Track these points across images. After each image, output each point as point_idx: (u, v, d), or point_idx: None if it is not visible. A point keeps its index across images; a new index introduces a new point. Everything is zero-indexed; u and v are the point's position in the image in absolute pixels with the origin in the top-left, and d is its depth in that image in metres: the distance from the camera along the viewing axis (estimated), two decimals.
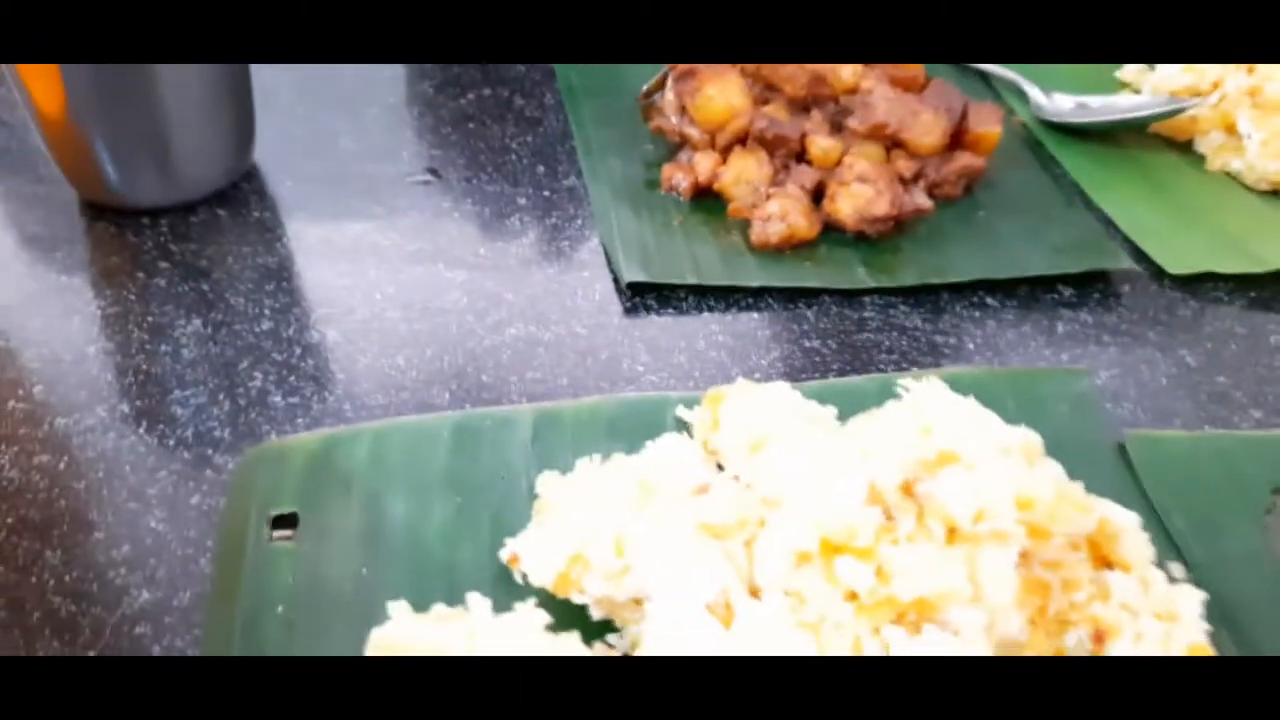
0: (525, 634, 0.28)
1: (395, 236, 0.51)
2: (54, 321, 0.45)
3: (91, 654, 0.32)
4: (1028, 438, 0.32)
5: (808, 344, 0.46)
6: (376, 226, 0.51)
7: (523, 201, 0.54)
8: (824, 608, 0.28)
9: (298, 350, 0.44)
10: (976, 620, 0.29)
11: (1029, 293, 0.49)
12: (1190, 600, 0.31)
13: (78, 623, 0.33)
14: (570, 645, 0.28)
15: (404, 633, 0.27)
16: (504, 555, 0.33)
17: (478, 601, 0.29)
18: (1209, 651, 0.31)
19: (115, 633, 0.33)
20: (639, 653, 0.29)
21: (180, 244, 0.49)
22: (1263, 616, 0.34)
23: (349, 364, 0.43)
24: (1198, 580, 0.34)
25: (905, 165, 0.53)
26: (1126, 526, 0.32)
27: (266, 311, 0.46)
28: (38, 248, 0.49)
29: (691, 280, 0.48)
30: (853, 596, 0.28)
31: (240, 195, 0.53)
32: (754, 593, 0.30)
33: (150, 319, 0.45)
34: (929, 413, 0.31)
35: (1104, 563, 0.33)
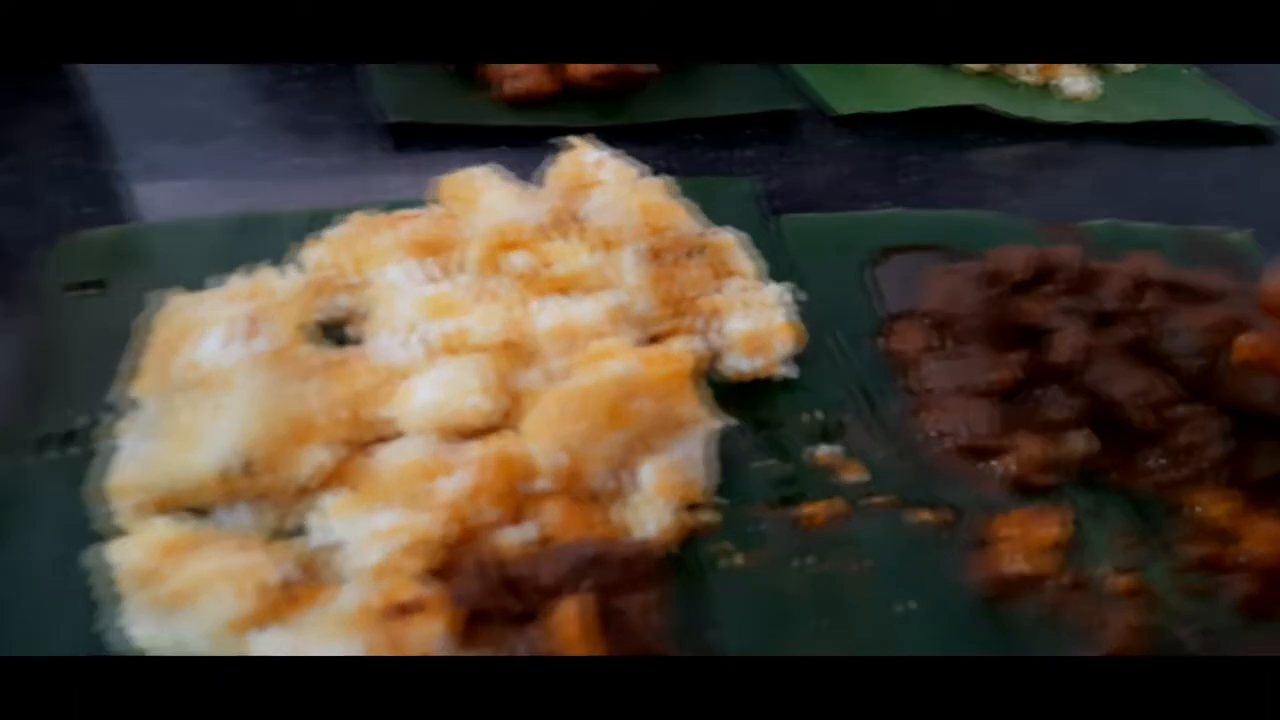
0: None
1: (183, 99, 0.58)
2: None
3: None
4: (651, 180, 0.43)
5: (542, 171, 0.56)
6: (168, 88, 0.59)
7: (304, 70, 0.62)
8: (499, 288, 0.39)
9: (97, 180, 0.51)
10: (613, 299, 0.39)
11: (726, 132, 0.61)
12: (782, 292, 0.43)
13: None
14: None
15: (179, 306, 0.36)
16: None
17: (235, 278, 0.38)
18: (796, 327, 0.42)
19: None
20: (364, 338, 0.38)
21: None
22: (851, 308, 0.46)
23: (144, 188, 0.51)
24: (808, 299, 0.46)
25: None
26: (734, 242, 0.44)
27: (70, 151, 0.53)
28: None
29: (443, 120, 0.57)
30: (521, 278, 0.39)
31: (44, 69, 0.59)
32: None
33: None
34: (581, 157, 0.42)
35: (723, 273, 0.44)
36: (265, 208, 0.51)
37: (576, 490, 0.34)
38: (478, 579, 0.30)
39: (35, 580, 0.33)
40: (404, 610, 0.28)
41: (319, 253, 0.41)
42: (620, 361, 0.34)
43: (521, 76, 0.60)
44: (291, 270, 0.38)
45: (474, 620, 0.30)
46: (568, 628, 0.28)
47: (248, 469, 0.32)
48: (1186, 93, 0.70)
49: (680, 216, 0.41)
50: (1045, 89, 0.68)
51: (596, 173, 0.41)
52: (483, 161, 0.55)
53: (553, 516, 0.33)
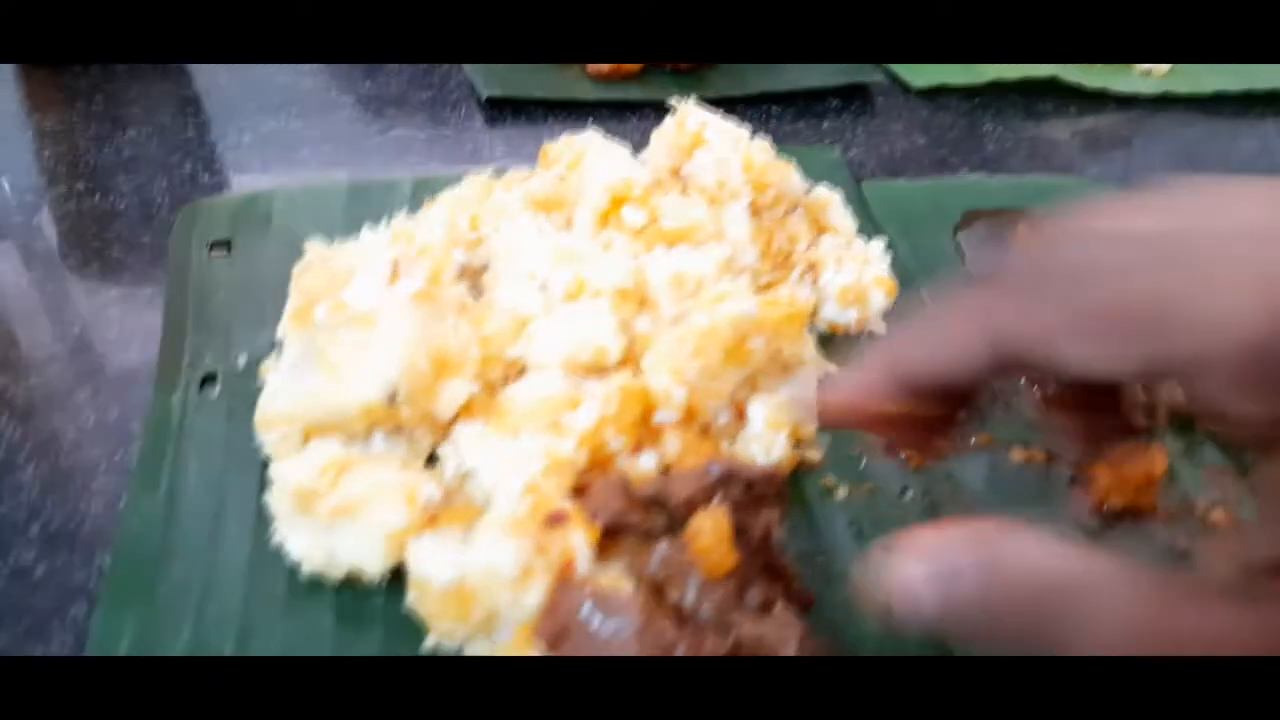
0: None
1: (293, 75, 0.61)
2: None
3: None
4: (757, 140, 0.45)
5: (632, 140, 0.58)
6: (278, 66, 0.62)
7: None
8: (613, 241, 0.41)
9: (218, 150, 0.55)
10: (721, 252, 0.42)
11: (805, 104, 0.63)
12: (877, 248, 0.45)
13: None
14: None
15: (319, 258, 0.39)
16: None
17: (368, 232, 0.40)
18: (891, 282, 0.44)
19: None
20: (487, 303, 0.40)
21: (110, 83, 0.59)
22: (938, 268, 0.48)
23: (262, 157, 0.54)
24: (895, 260, 0.47)
25: None
26: (832, 198, 0.46)
27: (189, 125, 0.56)
28: None
29: (539, 95, 0.60)
30: (633, 232, 0.41)
31: None
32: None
33: (91, 133, 0.55)
34: (686, 119, 0.44)
35: (820, 230, 0.46)
36: (375, 175, 0.54)
37: (694, 424, 0.36)
38: (613, 496, 0.32)
39: (202, 501, 0.35)
40: (554, 519, 0.31)
41: (438, 211, 0.43)
42: (737, 303, 0.36)
43: None
44: (423, 222, 0.41)
45: (610, 534, 0.32)
46: (703, 539, 0.30)
47: (394, 401, 0.35)
48: (1260, 65, 0.70)
49: (785, 173, 0.43)
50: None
51: (703, 132, 0.43)
52: (573, 131, 0.58)
53: (673, 446, 0.35)
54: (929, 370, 0.25)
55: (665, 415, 0.36)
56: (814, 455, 0.38)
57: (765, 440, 0.37)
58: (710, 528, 0.30)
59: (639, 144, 0.57)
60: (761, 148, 0.44)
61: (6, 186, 0.51)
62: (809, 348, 0.39)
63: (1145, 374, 0.21)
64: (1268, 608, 0.20)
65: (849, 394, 0.27)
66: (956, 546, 0.22)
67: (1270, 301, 0.19)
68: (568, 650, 0.29)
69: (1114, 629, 0.20)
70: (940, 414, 0.27)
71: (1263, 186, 0.21)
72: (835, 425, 0.31)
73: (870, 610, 0.23)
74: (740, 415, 0.38)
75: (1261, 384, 0.19)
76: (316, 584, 0.33)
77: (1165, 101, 0.65)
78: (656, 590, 0.30)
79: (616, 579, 0.30)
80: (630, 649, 0.28)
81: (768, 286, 0.43)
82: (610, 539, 0.32)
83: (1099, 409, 0.29)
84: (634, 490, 0.33)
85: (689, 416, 0.36)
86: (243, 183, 0.52)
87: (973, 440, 0.40)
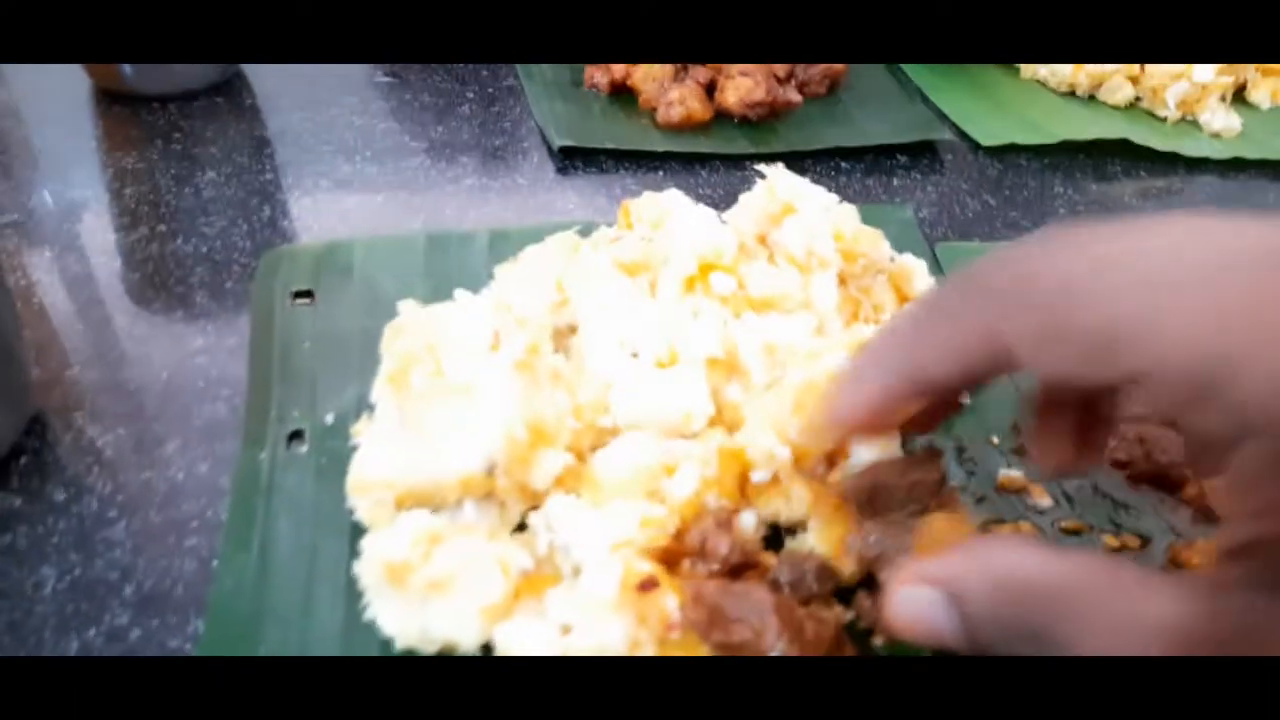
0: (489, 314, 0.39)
1: (366, 119, 0.62)
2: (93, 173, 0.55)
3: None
4: (845, 207, 0.45)
5: (701, 193, 0.58)
6: (350, 109, 0.62)
7: (470, 95, 0.65)
8: (701, 307, 0.41)
9: (295, 194, 0.55)
10: (808, 322, 0.41)
11: (873, 159, 0.63)
12: None
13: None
14: None
15: (412, 319, 0.39)
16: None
17: (462, 294, 0.40)
18: None
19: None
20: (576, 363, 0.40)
21: (187, 121, 0.60)
22: None
23: (339, 203, 0.55)
24: None
25: (780, 67, 0.66)
26: (917, 268, 0.45)
27: (266, 167, 0.57)
28: (60, 126, 0.59)
29: (610, 145, 0.60)
30: (721, 299, 0.41)
31: (233, 87, 0.63)
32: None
33: (171, 172, 0.56)
34: (776, 185, 0.44)
35: (904, 299, 0.46)
36: (450, 225, 0.54)
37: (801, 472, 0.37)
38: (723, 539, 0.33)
39: (293, 565, 0.35)
40: (646, 585, 0.31)
41: (526, 271, 0.43)
42: (833, 357, 0.36)
43: (674, 106, 0.63)
44: (526, 286, 0.41)
45: (735, 574, 0.33)
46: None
47: (492, 472, 0.35)
48: None
49: (875, 242, 0.43)
50: (1186, 124, 0.69)
51: (794, 201, 0.43)
52: (643, 183, 0.58)
53: (799, 496, 0.35)
54: (943, 375, 0.27)
55: (760, 475, 0.36)
56: None
57: None
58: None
59: (710, 197, 0.57)
60: (850, 214, 0.44)
61: (88, 226, 0.51)
62: None
63: (1108, 383, 0.23)
64: (1201, 585, 0.23)
65: (870, 403, 0.29)
66: (958, 568, 0.26)
67: (1220, 323, 0.21)
68: (718, 636, 0.30)
69: (1104, 624, 0.23)
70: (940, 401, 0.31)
71: (1230, 221, 0.23)
72: (855, 434, 0.34)
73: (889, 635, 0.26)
74: (830, 464, 0.38)
75: (1208, 398, 0.21)
76: (409, 657, 0.33)
77: (1234, 166, 0.65)
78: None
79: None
80: (771, 624, 0.30)
81: None
82: (735, 578, 0.33)
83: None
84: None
85: (797, 467, 0.36)
86: (323, 228, 0.53)
87: (1062, 525, 0.39)
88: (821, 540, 0.35)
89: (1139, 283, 0.23)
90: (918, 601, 0.26)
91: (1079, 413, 0.30)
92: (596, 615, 0.31)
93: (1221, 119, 0.68)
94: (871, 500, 0.33)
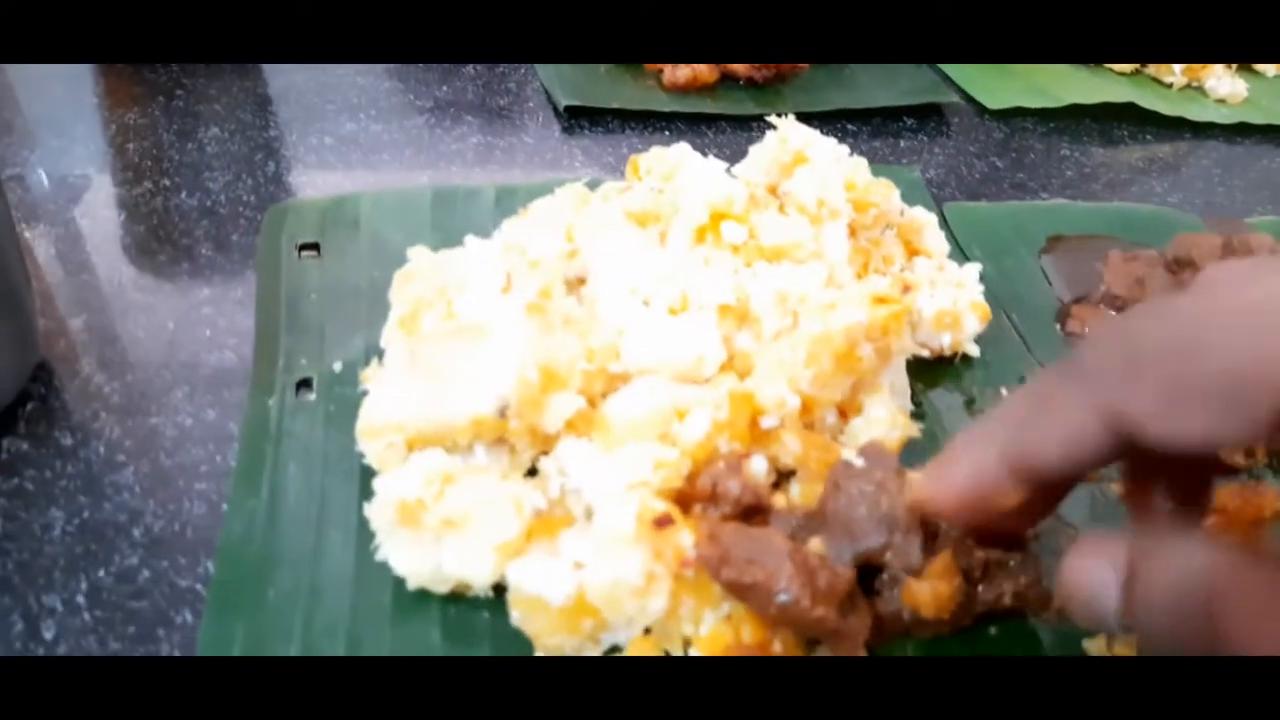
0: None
1: (370, 78, 0.61)
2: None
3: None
4: (856, 159, 0.45)
5: (707, 153, 0.58)
6: (354, 68, 0.62)
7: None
8: (712, 256, 0.41)
9: (299, 150, 0.55)
10: (819, 271, 0.41)
11: (880, 122, 0.62)
12: (971, 272, 0.45)
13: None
14: None
15: (423, 265, 0.38)
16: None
17: (472, 240, 0.40)
18: (984, 306, 0.44)
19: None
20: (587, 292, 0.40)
21: (190, 79, 0.59)
22: (1025, 292, 0.48)
23: (343, 159, 0.54)
24: (983, 278, 0.47)
25: None
26: (926, 222, 0.45)
27: (270, 124, 0.56)
28: (62, 82, 0.58)
29: (615, 105, 0.60)
30: (733, 248, 0.41)
31: None
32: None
33: (174, 128, 0.55)
34: (788, 135, 0.44)
35: (913, 253, 0.46)
36: (457, 181, 0.53)
37: (806, 423, 0.36)
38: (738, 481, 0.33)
39: (303, 508, 0.35)
40: (662, 522, 0.31)
41: (536, 221, 0.43)
42: (849, 311, 0.36)
43: (681, 67, 0.62)
44: (533, 233, 0.41)
45: (748, 516, 0.33)
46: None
47: (504, 414, 0.34)
48: None
49: (886, 194, 0.43)
50: (1192, 90, 0.68)
51: (806, 150, 0.42)
52: (649, 143, 0.58)
53: (793, 445, 0.35)
54: (1055, 462, 0.25)
55: (770, 420, 0.36)
56: None
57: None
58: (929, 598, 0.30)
59: (716, 157, 0.57)
60: (862, 166, 0.43)
61: (91, 181, 0.51)
62: (907, 338, 0.39)
63: (1244, 436, 0.22)
64: None
65: (964, 489, 0.27)
66: (1143, 555, 0.24)
67: None
68: (729, 574, 0.30)
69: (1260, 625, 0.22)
70: (1040, 500, 0.28)
71: None
72: (943, 519, 0.31)
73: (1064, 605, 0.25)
74: (843, 415, 0.38)
75: None
76: (422, 596, 0.33)
77: (1240, 131, 0.65)
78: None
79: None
80: (784, 569, 0.30)
81: None
82: (747, 520, 0.33)
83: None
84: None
85: (803, 417, 0.36)
86: (327, 183, 0.52)
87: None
88: (805, 494, 0.35)
89: (1254, 325, 0.22)
90: (1090, 572, 0.25)
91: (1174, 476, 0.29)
92: (613, 550, 0.30)
93: (1227, 85, 0.68)
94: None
